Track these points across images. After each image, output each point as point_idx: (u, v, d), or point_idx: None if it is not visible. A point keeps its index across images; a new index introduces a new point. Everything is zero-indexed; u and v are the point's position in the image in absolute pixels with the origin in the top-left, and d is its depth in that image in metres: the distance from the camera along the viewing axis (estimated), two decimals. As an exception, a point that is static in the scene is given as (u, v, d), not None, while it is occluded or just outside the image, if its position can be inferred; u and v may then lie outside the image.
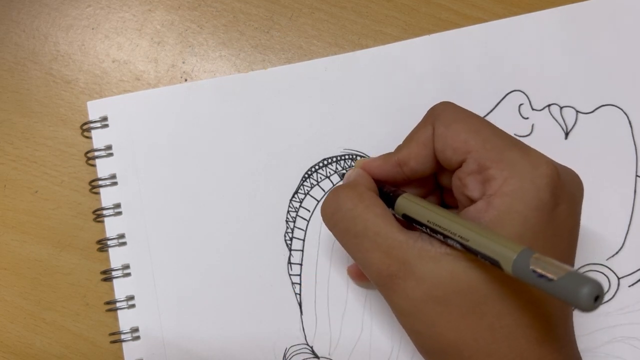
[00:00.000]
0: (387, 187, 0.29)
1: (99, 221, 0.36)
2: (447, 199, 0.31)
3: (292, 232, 0.36)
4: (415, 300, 0.25)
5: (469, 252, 0.23)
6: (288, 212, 0.36)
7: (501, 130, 0.27)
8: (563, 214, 0.25)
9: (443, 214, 0.25)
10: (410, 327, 0.26)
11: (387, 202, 0.28)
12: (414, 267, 0.25)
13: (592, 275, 0.35)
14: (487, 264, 0.23)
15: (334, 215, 0.28)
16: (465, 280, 0.24)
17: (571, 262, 0.27)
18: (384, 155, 0.30)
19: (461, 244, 0.23)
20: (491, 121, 0.36)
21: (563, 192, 0.25)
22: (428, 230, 0.25)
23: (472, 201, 0.26)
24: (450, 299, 0.24)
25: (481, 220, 0.24)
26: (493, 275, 0.24)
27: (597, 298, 0.18)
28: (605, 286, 0.35)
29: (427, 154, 0.28)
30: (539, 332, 0.24)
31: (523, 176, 0.24)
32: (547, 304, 0.25)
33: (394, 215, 0.28)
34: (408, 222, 0.27)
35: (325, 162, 0.36)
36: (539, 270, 0.20)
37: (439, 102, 0.29)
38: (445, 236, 0.24)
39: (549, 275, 0.19)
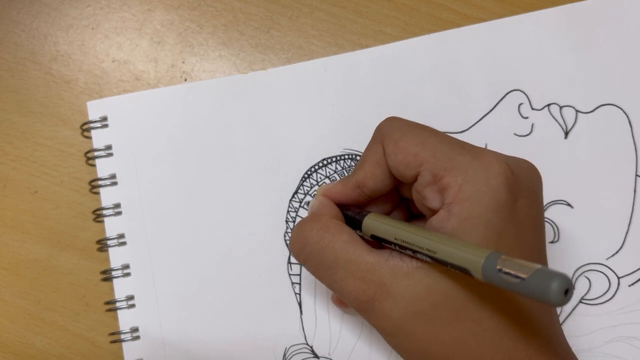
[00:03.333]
0: (352, 210, 0.29)
1: (98, 221, 0.36)
2: (413, 209, 0.31)
3: (292, 232, 0.36)
4: (397, 319, 0.25)
5: (439, 264, 0.23)
6: (288, 212, 0.36)
7: (449, 137, 0.27)
8: (523, 208, 0.25)
9: (408, 229, 0.25)
10: (398, 346, 0.26)
11: (353, 225, 0.28)
12: (389, 287, 0.25)
13: (592, 275, 0.35)
14: (458, 272, 0.23)
15: (303, 251, 0.28)
16: (441, 291, 0.24)
17: (541, 253, 0.27)
18: (342, 179, 0.30)
19: (430, 257, 0.23)
20: (491, 121, 0.36)
21: (519, 186, 0.25)
22: (397, 247, 0.25)
23: (434, 212, 0.26)
24: (429, 312, 0.24)
25: (445, 230, 0.24)
26: (467, 282, 0.24)
27: (567, 291, 0.18)
28: (605, 286, 0.35)
29: (382, 172, 0.28)
30: (523, 329, 0.24)
31: (477, 179, 0.24)
32: (526, 300, 0.25)
33: (362, 237, 0.27)
34: (378, 242, 0.27)
35: (325, 162, 0.36)
36: (508, 271, 0.20)
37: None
38: (414, 251, 0.24)
39: (519, 275, 0.19)
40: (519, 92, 0.36)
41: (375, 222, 0.27)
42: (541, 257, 0.27)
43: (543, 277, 0.19)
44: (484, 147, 0.36)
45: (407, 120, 0.28)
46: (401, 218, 0.31)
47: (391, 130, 0.28)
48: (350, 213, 0.29)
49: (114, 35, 0.39)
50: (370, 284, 0.25)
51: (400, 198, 0.31)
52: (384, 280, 0.25)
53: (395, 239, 0.25)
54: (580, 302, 0.35)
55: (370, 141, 0.29)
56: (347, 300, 0.27)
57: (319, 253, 0.27)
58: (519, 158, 0.27)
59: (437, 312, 0.24)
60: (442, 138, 0.27)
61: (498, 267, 0.20)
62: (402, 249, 0.25)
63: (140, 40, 0.38)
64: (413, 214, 0.31)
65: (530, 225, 0.26)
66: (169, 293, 0.35)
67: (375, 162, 0.28)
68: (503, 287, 0.20)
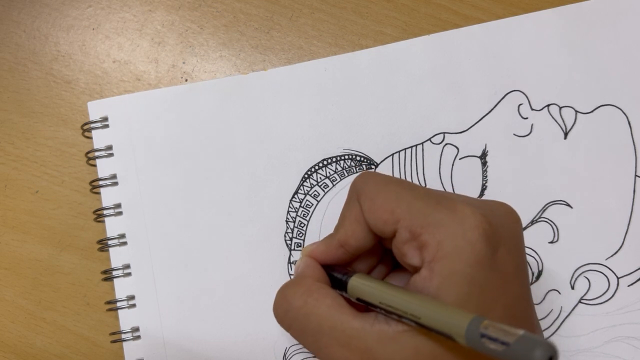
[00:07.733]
0: (337, 270, 0.29)
1: (99, 221, 0.37)
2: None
3: (292, 232, 0.36)
4: None
5: (424, 329, 0.23)
6: (288, 212, 0.36)
7: (424, 190, 0.27)
8: (504, 257, 0.25)
9: (393, 292, 0.25)
10: None
11: (340, 286, 0.28)
12: (375, 353, 0.24)
13: (591, 275, 0.35)
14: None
15: (286, 316, 0.27)
16: (429, 352, 0.24)
17: (526, 300, 0.26)
18: (325, 239, 0.29)
19: (414, 322, 0.23)
20: (491, 121, 0.36)
21: (497, 236, 0.25)
22: (383, 311, 0.25)
23: (415, 268, 0.25)
24: None
25: (429, 290, 0.24)
26: (454, 343, 0.24)
27: (551, 358, 0.18)
28: (605, 286, 0.35)
29: (363, 229, 0.28)
30: None
31: (454, 235, 0.24)
32: None
33: (348, 299, 0.27)
34: (364, 305, 0.27)
35: (325, 162, 0.36)
36: (491, 337, 0.20)
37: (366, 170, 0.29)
38: (399, 315, 0.24)
39: (502, 341, 0.19)
40: (518, 92, 0.36)
41: (361, 285, 0.27)
42: (526, 304, 0.26)
43: (526, 344, 0.18)
44: (483, 147, 0.36)
45: (381, 175, 0.28)
46: (386, 270, 0.31)
47: (366, 186, 0.28)
48: (336, 274, 0.29)
49: (114, 35, 0.39)
50: (355, 351, 0.25)
51: (384, 250, 0.30)
52: (369, 346, 0.24)
53: (380, 303, 0.25)
54: (579, 302, 0.35)
55: (347, 198, 0.29)
56: None
57: (303, 319, 0.26)
58: (495, 202, 0.27)
59: None
60: (417, 192, 0.26)
61: (481, 334, 0.20)
62: (388, 313, 0.25)
63: (141, 40, 0.39)
64: (398, 263, 0.31)
65: (513, 273, 0.25)
66: (169, 293, 0.35)
67: (354, 219, 0.28)
68: (486, 354, 0.20)
